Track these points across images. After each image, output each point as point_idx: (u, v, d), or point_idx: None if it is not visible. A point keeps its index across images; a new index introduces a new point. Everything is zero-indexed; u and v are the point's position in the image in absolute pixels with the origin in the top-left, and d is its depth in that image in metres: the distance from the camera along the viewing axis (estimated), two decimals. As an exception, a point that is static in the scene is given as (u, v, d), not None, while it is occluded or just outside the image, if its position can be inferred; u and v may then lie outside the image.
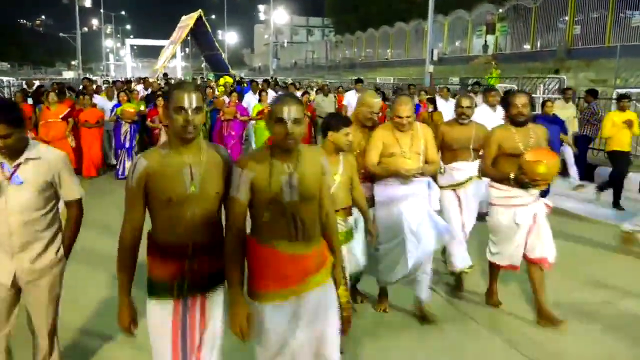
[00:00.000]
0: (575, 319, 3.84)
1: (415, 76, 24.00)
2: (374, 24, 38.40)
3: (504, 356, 3.47)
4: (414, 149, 3.67)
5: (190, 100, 2.04)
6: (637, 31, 19.05)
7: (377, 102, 3.77)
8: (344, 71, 37.75)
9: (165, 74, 25.28)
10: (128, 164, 8.82)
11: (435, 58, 18.18)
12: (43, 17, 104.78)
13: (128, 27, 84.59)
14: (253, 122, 10.04)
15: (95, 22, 64.86)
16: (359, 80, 12.18)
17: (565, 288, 4.43)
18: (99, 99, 10.63)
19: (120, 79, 20.49)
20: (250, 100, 11.18)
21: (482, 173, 4.01)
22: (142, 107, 10.24)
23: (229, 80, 19.13)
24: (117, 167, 9.26)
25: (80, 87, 12.17)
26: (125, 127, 9.28)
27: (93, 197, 7.45)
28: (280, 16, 51.65)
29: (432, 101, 9.69)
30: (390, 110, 3.82)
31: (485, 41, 27.36)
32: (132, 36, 76.03)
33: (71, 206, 2.64)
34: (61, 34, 58.40)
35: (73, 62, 56.89)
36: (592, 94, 9.46)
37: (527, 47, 24.87)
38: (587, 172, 8.91)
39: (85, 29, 59.26)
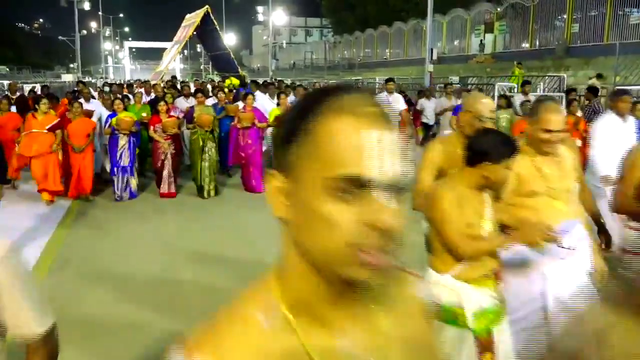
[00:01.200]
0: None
1: (414, 76, 24.04)
2: (372, 24, 38.46)
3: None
4: (564, 185, 2.49)
5: (382, 161, 0.63)
6: (636, 28, 19.06)
7: (487, 102, 2.74)
8: (342, 71, 37.81)
9: (174, 77, 23.67)
10: (133, 185, 7.82)
11: (434, 57, 18.21)
12: (41, 20, 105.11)
13: (127, 29, 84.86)
14: (270, 129, 8.49)
15: (93, 24, 64.83)
16: (390, 80, 9.96)
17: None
18: (95, 104, 9.35)
19: (116, 82, 19.64)
20: (264, 102, 9.58)
21: (618, 208, 2.80)
22: (145, 114, 8.84)
23: (235, 81, 17.29)
24: (114, 188, 7.71)
25: (75, 90, 11.02)
26: (122, 141, 7.68)
27: (83, 230, 6.23)
28: (278, 17, 51.64)
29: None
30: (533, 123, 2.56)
31: (481, 40, 27.35)
32: (130, 38, 76.23)
33: (34, 348, 1.31)
34: (60, 37, 58.46)
35: (72, 65, 57.01)
36: (592, 92, 9.47)
37: (525, 45, 24.90)
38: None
39: (84, 31, 59.21)
